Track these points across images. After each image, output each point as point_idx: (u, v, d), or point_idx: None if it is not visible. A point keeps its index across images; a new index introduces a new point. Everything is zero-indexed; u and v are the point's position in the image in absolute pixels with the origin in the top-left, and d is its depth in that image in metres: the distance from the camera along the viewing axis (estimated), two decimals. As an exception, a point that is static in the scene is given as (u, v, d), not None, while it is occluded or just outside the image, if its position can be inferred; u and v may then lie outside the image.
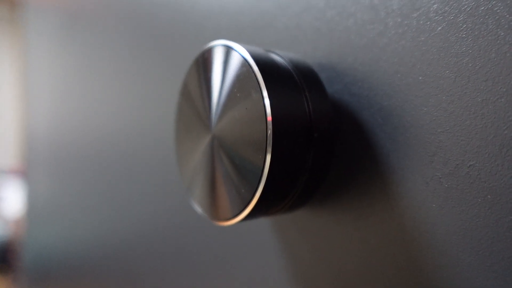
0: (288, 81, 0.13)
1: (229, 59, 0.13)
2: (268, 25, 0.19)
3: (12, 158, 2.51)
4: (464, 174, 0.11)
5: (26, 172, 0.62)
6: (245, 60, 0.13)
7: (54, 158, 0.49)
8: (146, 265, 0.29)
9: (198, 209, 0.15)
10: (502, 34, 0.11)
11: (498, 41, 0.11)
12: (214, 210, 0.14)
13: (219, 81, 0.14)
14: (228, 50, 0.13)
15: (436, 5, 0.12)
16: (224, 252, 0.21)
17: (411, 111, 0.13)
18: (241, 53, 0.13)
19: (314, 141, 0.14)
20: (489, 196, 0.11)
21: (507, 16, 0.11)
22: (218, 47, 0.14)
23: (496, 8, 0.11)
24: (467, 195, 0.11)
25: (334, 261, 0.15)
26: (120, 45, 0.34)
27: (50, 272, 0.52)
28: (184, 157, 0.16)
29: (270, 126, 0.12)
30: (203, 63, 0.15)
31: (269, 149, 0.12)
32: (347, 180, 0.15)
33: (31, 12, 0.60)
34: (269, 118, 0.12)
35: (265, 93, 0.12)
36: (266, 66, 0.13)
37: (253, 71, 0.12)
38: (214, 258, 0.22)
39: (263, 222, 0.19)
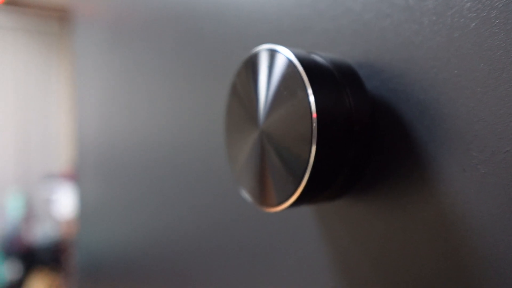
0: (329, 79, 0.14)
1: (275, 61, 0.15)
2: (307, 29, 0.20)
3: (63, 163, 2.68)
4: (500, 160, 0.12)
5: (77, 175, 0.66)
6: (290, 61, 0.14)
7: (103, 162, 0.53)
8: (196, 260, 0.31)
9: (248, 197, 0.17)
10: (534, 27, 0.11)
11: (530, 34, 0.11)
12: (263, 197, 0.16)
13: (266, 82, 0.15)
14: (274, 53, 0.15)
15: (469, 3, 0.13)
16: (271, 241, 0.23)
17: (448, 103, 0.14)
18: (286, 55, 0.14)
19: (355, 134, 0.15)
20: (525, 180, 0.12)
21: (538, 10, 0.11)
22: (265, 50, 0.15)
23: (527, 4, 0.12)
24: (503, 180, 0.12)
25: (374, 249, 0.16)
26: (166, 52, 0.37)
27: (100, 271, 0.55)
28: (234, 151, 0.18)
29: (315, 121, 0.13)
30: (252, 65, 0.16)
31: (314, 142, 0.13)
32: (387, 171, 0.16)
33: (79, 25, 0.65)
34: (314, 114, 0.13)
35: (309, 91, 0.13)
36: (310, 66, 0.14)
37: (298, 71, 0.14)
38: (262, 247, 0.24)
39: (308, 211, 0.20)
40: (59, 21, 2.76)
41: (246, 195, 0.17)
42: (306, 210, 0.20)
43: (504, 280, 0.12)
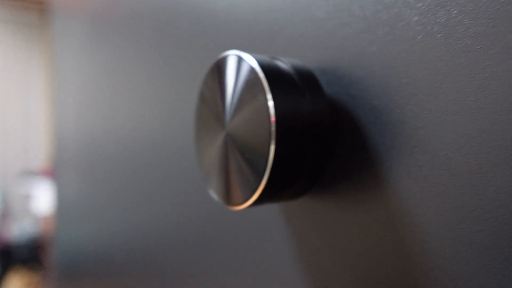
0: (289, 84, 0.15)
1: (240, 67, 0.16)
2: (276, 33, 0.21)
3: (42, 159, 2.62)
4: (439, 162, 0.13)
5: (54, 172, 0.66)
6: (253, 68, 0.15)
7: (81, 158, 0.53)
8: (170, 256, 0.32)
9: (215, 196, 0.18)
10: (470, 42, 0.13)
11: (466, 49, 0.13)
12: (228, 196, 0.17)
13: (232, 86, 0.16)
14: (238, 59, 0.16)
15: (416, 17, 0.14)
16: (240, 238, 0.24)
17: (397, 109, 0.15)
18: (249, 62, 0.15)
19: (314, 136, 0.16)
20: (460, 181, 0.13)
21: (473, 27, 0.12)
22: (230, 56, 0.16)
23: (464, 20, 0.13)
24: (442, 180, 0.13)
25: (337, 243, 0.17)
26: (144, 49, 0.37)
27: (78, 268, 0.55)
28: (202, 152, 0.19)
29: (273, 124, 0.14)
30: (218, 70, 0.17)
31: (273, 143, 0.14)
32: (345, 171, 0.17)
33: (59, 17, 0.65)
34: (273, 118, 0.14)
35: (269, 96, 0.14)
36: (271, 72, 0.15)
37: (259, 77, 0.15)
38: (231, 244, 0.25)
39: (275, 208, 0.21)
40: (39, 12, 2.69)
41: (213, 194, 0.18)
42: (274, 207, 0.21)
43: (445, 270, 0.13)
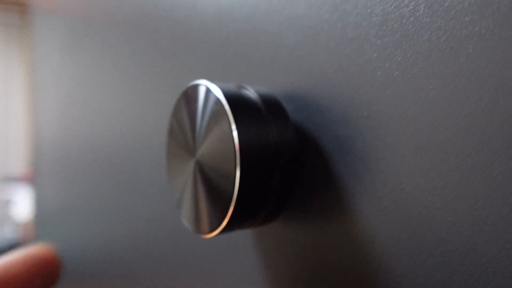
0: (255, 114, 0.16)
1: (207, 96, 0.16)
2: (246, 59, 0.21)
3: (22, 164, 2.56)
4: (397, 196, 0.14)
5: (34, 178, 0.65)
6: (218, 99, 0.15)
7: (61, 164, 0.52)
8: (144, 270, 0.32)
9: (186, 224, 0.18)
10: (423, 82, 0.13)
11: (420, 88, 0.13)
12: (198, 224, 0.17)
13: (200, 115, 0.16)
14: (206, 89, 0.16)
15: (376, 54, 0.15)
16: (212, 260, 0.24)
17: (359, 140, 0.15)
18: (215, 92, 0.15)
19: (279, 165, 0.16)
20: (418, 214, 0.13)
21: (427, 68, 0.13)
22: (197, 86, 0.17)
23: (418, 61, 0.13)
24: (399, 213, 0.14)
25: (306, 267, 0.18)
26: (125, 53, 0.37)
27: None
28: (174, 179, 0.19)
29: (238, 154, 0.14)
30: (187, 98, 0.17)
31: (238, 173, 0.15)
32: (311, 197, 0.17)
33: (39, 18, 0.64)
34: (237, 147, 0.14)
35: (233, 127, 0.15)
36: (236, 103, 0.15)
37: (225, 109, 0.15)
38: (202, 266, 0.25)
39: (246, 234, 0.21)
40: (19, 13, 2.63)
41: (184, 222, 0.18)
42: (245, 232, 0.21)
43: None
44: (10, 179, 2.25)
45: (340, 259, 0.16)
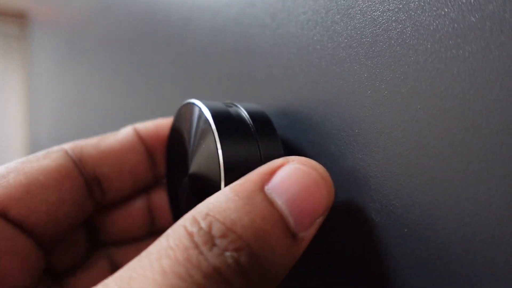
0: (242, 132, 0.16)
1: (198, 115, 0.16)
2: (241, 76, 0.22)
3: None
4: (388, 212, 0.14)
5: None
6: (206, 118, 0.16)
7: None
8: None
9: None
10: (411, 101, 0.14)
11: (408, 108, 0.14)
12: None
13: (194, 132, 0.17)
14: (196, 107, 0.16)
15: (366, 74, 0.15)
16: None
17: (351, 157, 0.16)
18: (204, 111, 0.16)
19: None
20: (406, 231, 0.14)
21: (415, 88, 0.13)
22: (189, 104, 0.17)
23: (407, 81, 0.14)
24: (391, 231, 0.14)
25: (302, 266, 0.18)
26: (120, 60, 0.37)
27: None
28: (172, 190, 0.19)
29: (222, 171, 0.15)
30: (181, 116, 0.18)
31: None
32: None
33: (37, 28, 0.64)
34: (222, 165, 0.15)
35: (219, 145, 0.15)
36: (223, 121, 0.16)
37: (211, 128, 0.15)
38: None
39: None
40: (19, 24, 2.65)
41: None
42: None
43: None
44: None
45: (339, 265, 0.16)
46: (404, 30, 0.14)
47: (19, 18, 2.45)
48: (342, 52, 0.16)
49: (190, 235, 0.11)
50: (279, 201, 0.13)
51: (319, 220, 0.14)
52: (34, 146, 0.59)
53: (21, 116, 2.59)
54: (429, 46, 0.13)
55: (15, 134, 2.57)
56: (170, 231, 0.12)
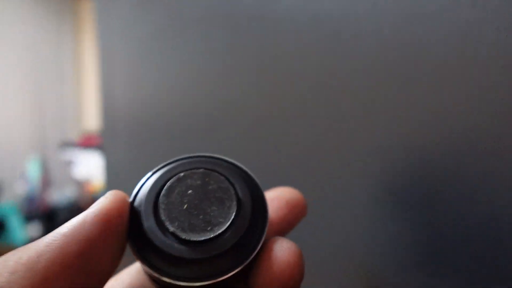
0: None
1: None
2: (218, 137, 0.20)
3: (78, 130, 2.74)
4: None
5: (103, 142, 0.63)
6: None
7: (129, 129, 0.52)
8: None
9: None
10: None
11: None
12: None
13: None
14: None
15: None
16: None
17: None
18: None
19: None
20: None
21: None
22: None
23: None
24: None
25: None
26: (203, 12, 0.34)
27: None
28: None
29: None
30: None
31: None
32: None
33: None
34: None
35: None
36: None
37: None
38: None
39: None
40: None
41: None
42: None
43: None
44: (68, 144, 2.42)
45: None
46: None
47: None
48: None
49: None
50: None
51: None
52: (107, 103, 0.55)
53: (78, 77, 2.72)
54: None
55: (90, 97, 2.70)
56: None
